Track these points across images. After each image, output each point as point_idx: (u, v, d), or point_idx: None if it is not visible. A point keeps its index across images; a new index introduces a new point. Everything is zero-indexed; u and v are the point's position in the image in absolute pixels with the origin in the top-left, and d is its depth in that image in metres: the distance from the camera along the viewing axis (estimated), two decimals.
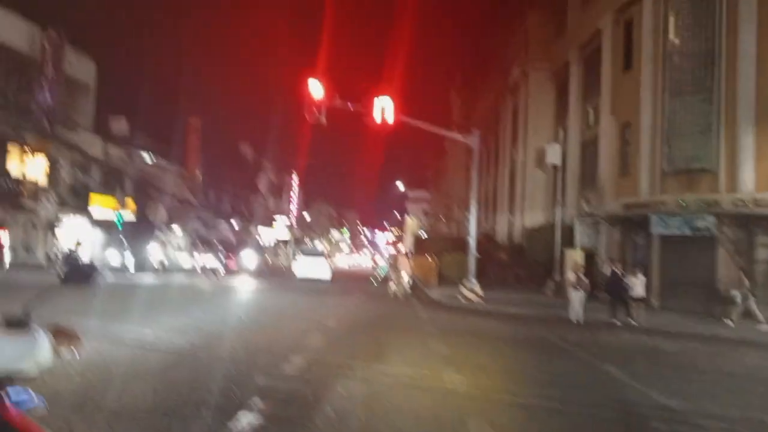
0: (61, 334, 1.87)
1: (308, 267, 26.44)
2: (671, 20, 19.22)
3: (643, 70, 19.82)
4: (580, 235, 22.51)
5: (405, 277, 20.85)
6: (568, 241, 22.38)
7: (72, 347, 1.90)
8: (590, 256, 21.31)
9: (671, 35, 19.20)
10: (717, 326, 14.34)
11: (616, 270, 15.12)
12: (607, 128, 22.29)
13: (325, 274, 26.20)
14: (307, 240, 72.50)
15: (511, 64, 34.86)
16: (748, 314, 14.68)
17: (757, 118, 16.87)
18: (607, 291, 15.13)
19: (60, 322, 1.94)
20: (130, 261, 24.35)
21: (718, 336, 12.93)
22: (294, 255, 57.71)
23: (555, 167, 23.98)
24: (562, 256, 21.54)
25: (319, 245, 71.37)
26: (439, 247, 35.66)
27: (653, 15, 19.69)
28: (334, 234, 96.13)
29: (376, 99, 17.22)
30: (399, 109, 17.60)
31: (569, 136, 25.91)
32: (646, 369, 8.53)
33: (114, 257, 24.04)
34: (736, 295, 15.05)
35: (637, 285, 14.52)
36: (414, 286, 22.75)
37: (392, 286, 20.74)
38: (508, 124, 35.91)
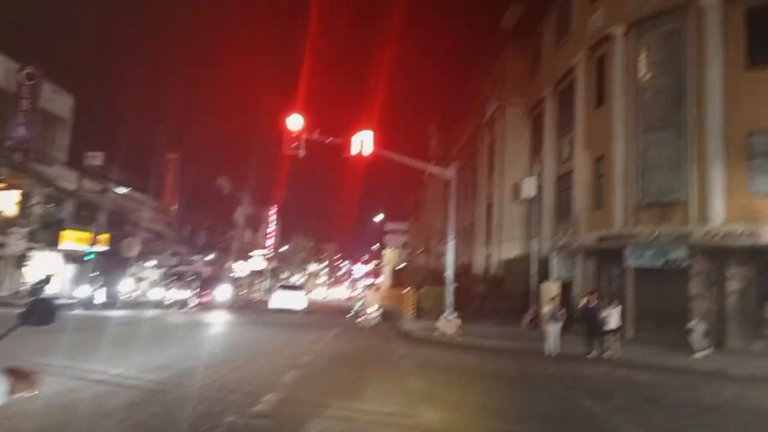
0: (17, 376, 1.80)
1: (285, 299, 28.10)
2: (642, 57, 19.85)
3: (616, 105, 20.34)
4: (556, 267, 22.68)
5: (373, 309, 21.97)
6: (545, 273, 22.53)
7: (29, 389, 1.83)
8: (566, 288, 21.45)
9: (642, 72, 19.81)
10: (691, 358, 14.46)
11: (591, 302, 15.22)
12: (581, 162, 22.71)
13: (301, 305, 27.85)
14: (284, 273, 71.89)
15: (488, 99, 35.53)
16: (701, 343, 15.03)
17: (725, 152, 17.33)
18: (583, 323, 15.20)
19: (17, 363, 1.86)
20: (101, 295, 23.80)
21: (690, 368, 13.02)
22: (270, 288, 57.56)
23: (531, 200, 24.28)
24: (538, 288, 21.64)
25: (296, 279, 71.11)
26: (418, 279, 35.63)
27: (624, 52, 20.33)
28: (312, 266, 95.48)
29: (355, 132, 17.37)
30: (378, 142, 17.74)
31: (545, 170, 26.35)
32: (622, 402, 8.50)
33: (84, 291, 23.47)
34: (695, 325, 15.37)
35: (612, 317, 14.62)
36: (390, 319, 23.23)
37: (362, 317, 21.95)
38: (485, 158, 36.39)
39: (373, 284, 31.72)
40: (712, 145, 17.50)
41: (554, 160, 26.09)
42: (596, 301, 15.29)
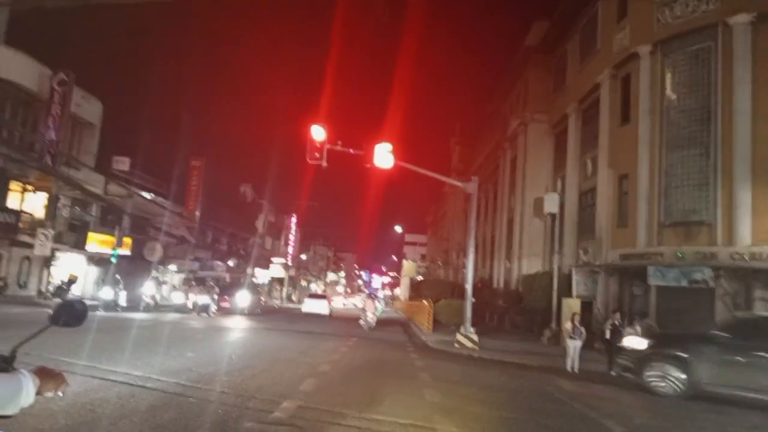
0: (46, 376, 1.85)
1: (314, 305, 35.11)
2: (668, 77, 19.70)
3: (641, 124, 20.17)
4: (578, 284, 22.43)
5: (370, 315, 25.28)
6: (566, 289, 22.29)
7: (57, 389, 1.88)
8: (588, 305, 21.19)
9: (668, 91, 19.65)
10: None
11: (616, 321, 15.00)
12: (605, 180, 22.50)
13: (325, 310, 34.62)
14: (303, 281, 72.16)
15: (511, 114, 35.49)
16: None
17: (753, 174, 17.07)
18: (607, 342, 14.92)
19: (45, 364, 1.92)
20: (123, 298, 24.11)
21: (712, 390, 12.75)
22: (290, 295, 58.28)
23: (553, 216, 24.10)
24: (559, 304, 21.40)
25: (316, 288, 71.67)
26: (436, 292, 35.52)
27: (650, 71, 20.18)
28: (331, 275, 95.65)
29: (376, 144, 17.47)
30: (399, 154, 17.82)
31: (567, 187, 26.14)
32: (645, 423, 8.36)
33: (107, 293, 23.80)
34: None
35: (635, 337, 14.38)
36: (407, 331, 23.80)
37: (362, 321, 25.27)
38: (506, 173, 36.28)
39: (370, 294, 40.00)
40: (739, 166, 17.24)
41: (577, 176, 25.90)
42: (619, 320, 15.09)
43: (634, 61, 20.99)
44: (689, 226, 18.30)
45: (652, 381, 11.00)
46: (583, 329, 14.70)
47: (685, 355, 10.72)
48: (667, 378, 10.76)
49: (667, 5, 19.44)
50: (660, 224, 19.09)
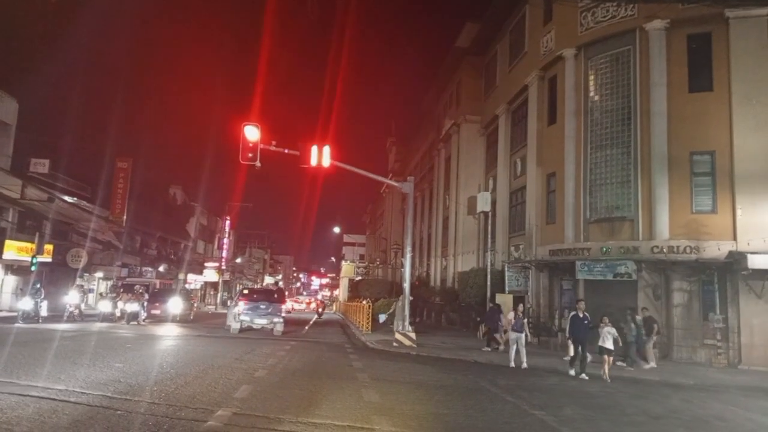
0: None
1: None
2: (591, 78, 20.57)
3: (567, 124, 20.96)
4: (510, 279, 23.06)
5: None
6: (499, 285, 22.88)
7: None
8: (520, 300, 21.82)
9: (591, 92, 20.51)
10: (639, 369, 14.92)
11: (580, 314, 13.88)
12: (533, 178, 23.25)
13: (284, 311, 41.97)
14: (239, 285, 70.63)
15: (444, 115, 36.09)
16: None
17: (669, 171, 18.07)
18: (570, 334, 14.31)
19: None
20: (44, 308, 22.77)
21: (637, 378, 13.45)
22: (225, 301, 57.28)
23: (485, 214, 24.69)
24: (493, 300, 21.94)
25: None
26: (374, 291, 35.69)
27: (575, 73, 21.01)
28: (267, 278, 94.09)
29: (313, 144, 17.35)
30: (336, 155, 17.79)
31: (498, 185, 26.86)
32: (574, 413, 8.68)
33: (27, 304, 22.39)
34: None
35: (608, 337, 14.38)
36: (346, 331, 23.61)
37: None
38: (441, 172, 36.87)
39: (313, 298, 46.97)
40: (657, 164, 18.21)
41: (507, 175, 26.64)
42: (582, 313, 13.90)
43: (559, 63, 21.79)
44: (613, 222, 19.17)
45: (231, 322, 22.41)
46: (525, 320, 14.57)
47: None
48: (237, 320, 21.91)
49: (589, 10, 20.29)
50: (586, 220, 19.91)
